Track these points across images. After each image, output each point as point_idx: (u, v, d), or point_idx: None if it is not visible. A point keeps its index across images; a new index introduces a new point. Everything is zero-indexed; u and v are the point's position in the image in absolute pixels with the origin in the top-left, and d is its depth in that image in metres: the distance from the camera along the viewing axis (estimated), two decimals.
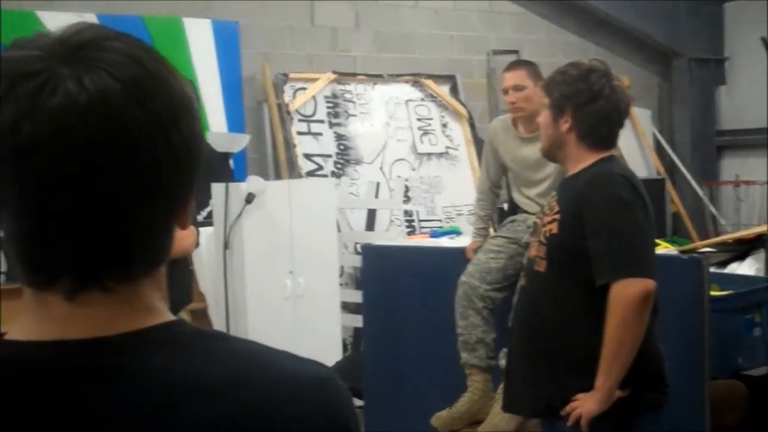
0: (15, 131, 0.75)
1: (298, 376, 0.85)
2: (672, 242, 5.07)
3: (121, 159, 0.76)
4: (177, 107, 0.81)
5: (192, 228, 3.51)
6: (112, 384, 0.78)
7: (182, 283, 3.54)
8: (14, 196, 0.76)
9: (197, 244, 3.55)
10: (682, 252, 4.20)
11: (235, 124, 6.43)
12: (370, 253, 4.63)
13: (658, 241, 3.52)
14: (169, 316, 0.84)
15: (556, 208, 2.64)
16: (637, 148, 8.18)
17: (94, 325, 0.79)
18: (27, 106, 0.75)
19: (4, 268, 5.75)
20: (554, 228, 2.61)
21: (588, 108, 2.63)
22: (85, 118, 0.75)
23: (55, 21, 5.85)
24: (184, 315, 3.53)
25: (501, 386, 3.65)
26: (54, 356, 0.78)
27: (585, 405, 2.51)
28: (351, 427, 0.87)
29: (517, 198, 4.05)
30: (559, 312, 2.61)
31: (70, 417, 0.76)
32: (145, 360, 0.79)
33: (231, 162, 6.15)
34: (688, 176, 8.40)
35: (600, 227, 2.52)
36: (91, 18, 5.97)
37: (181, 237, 3.47)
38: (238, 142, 6.09)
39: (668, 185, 8.12)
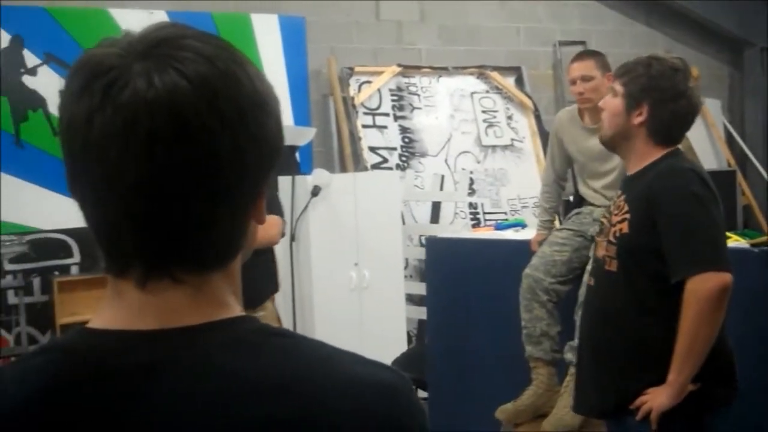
0: (88, 125, 0.78)
1: (366, 379, 0.83)
2: (743, 235, 4.97)
3: (184, 155, 0.78)
4: (246, 105, 0.82)
5: (278, 218, 3.56)
6: (168, 376, 0.79)
7: (269, 271, 3.62)
8: (87, 187, 0.80)
9: (283, 234, 3.61)
10: (754, 245, 4.11)
11: (302, 117, 6.49)
12: (434, 245, 4.64)
13: (729, 234, 3.46)
14: (238, 311, 0.85)
15: (625, 208, 2.61)
16: (707, 140, 8.02)
17: (161, 316, 0.81)
18: (99, 101, 0.78)
19: (78, 259, 5.91)
20: (625, 227, 2.59)
21: (668, 106, 2.60)
22: (151, 113, 0.77)
23: (127, 18, 5.98)
24: (269, 304, 3.61)
25: (566, 380, 3.64)
26: (120, 346, 0.81)
27: (656, 399, 2.49)
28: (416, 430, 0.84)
29: (583, 190, 4.02)
30: (630, 310, 2.59)
31: (127, 406, 0.79)
32: (203, 354, 0.80)
33: (297, 155, 6.21)
34: (760, 168, 8.20)
35: (673, 224, 2.50)
36: (161, 15, 6.08)
37: (268, 227, 3.55)
38: (305, 136, 6.14)
39: (739, 177, 7.94)
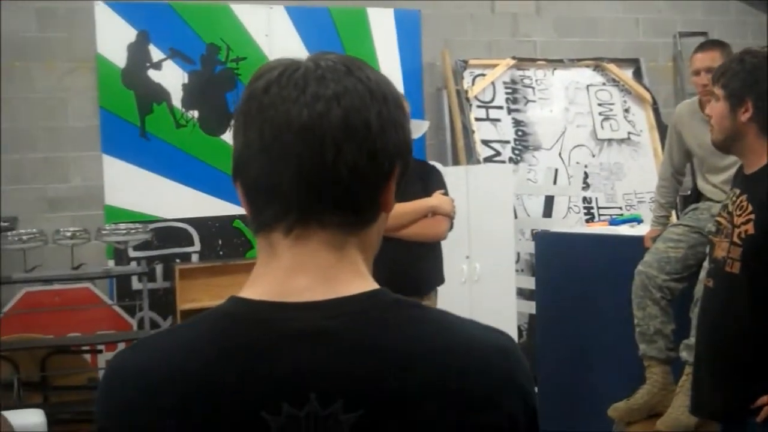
0: (265, 92, 0.93)
1: (485, 343, 0.94)
2: None
3: (342, 109, 0.91)
4: (388, 97, 0.97)
5: (445, 218, 3.69)
6: (327, 346, 0.88)
7: (436, 265, 3.78)
8: (258, 145, 0.92)
9: (451, 228, 3.74)
10: None
11: (415, 110, 6.53)
12: (544, 240, 4.61)
13: None
14: (374, 284, 0.95)
15: (749, 208, 2.54)
16: None
17: (311, 288, 0.91)
18: (276, 76, 0.94)
19: (198, 248, 6.12)
20: (750, 228, 2.52)
21: None
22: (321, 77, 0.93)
23: (248, 13, 6.15)
24: (432, 295, 3.76)
25: (682, 379, 3.57)
26: (276, 317, 0.90)
27: None
28: (529, 392, 0.95)
29: (702, 185, 3.92)
30: (754, 313, 2.52)
31: (283, 373, 0.87)
32: (353, 325, 0.90)
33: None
34: None
35: None
36: (280, 10, 6.23)
37: (436, 223, 3.69)
38: (418, 129, 6.15)
39: None
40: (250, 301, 0.92)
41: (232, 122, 0.98)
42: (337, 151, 0.90)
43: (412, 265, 3.64)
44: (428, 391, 0.88)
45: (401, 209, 3.60)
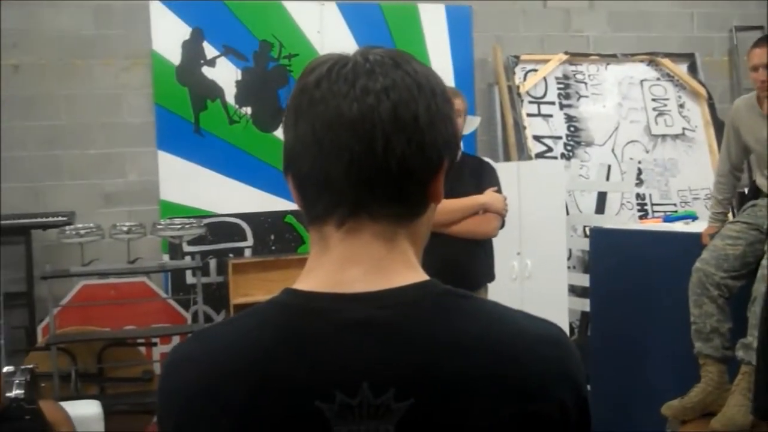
0: (316, 87, 0.94)
1: (535, 333, 0.95)
2: None
3: (392, 101, 0.92)
4: (437, 90, 0.98)
5: (496, 215, 3.69)
6: (379, 336, 0.90)
7: (486, 262, 3.79)
8: (310, 139, 0.94)
9: (502, 225, 3.75)
10: None
11: (467, 106, 6.51)
12: (599, 236, 4.58)
13: None
14: (424, 275, 0.96)
15: None
16: None
17: (363, 279, 0.93)
18: (326, 71, 0.95)
19: (251, 243, 6.18)
20: None
21: None
22: (370, 71, 0.94)
23: (300, 11, 6.18)
24: (482, 291, 3.77)
25: (738, 378, 3.52)
26: (330, 307, 0.92)
27: None
28: (580, 382, 0.95)
29: (760, 181, 3.86)
30: None
31: (336, 363, 0.89)
32: (405, 315, 0.91)
33: (462, 144, 6.24)
34: None
35: None
36: (331, 7, 6.26)
37: (486, 220, 3.68)
38: (469, 124, 6.15)
39: None
40: (303, 293, 0.94)
41: (284, 117, 0.99)
42: (387, 144, 0.91)
43: (462, 262, 3.63)
44: (479, 380, 0.89)
45: (452, 206, 3.60)
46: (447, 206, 3.54)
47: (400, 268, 0.95)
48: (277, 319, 0.94)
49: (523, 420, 0.89)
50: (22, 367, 4.46)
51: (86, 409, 3.70)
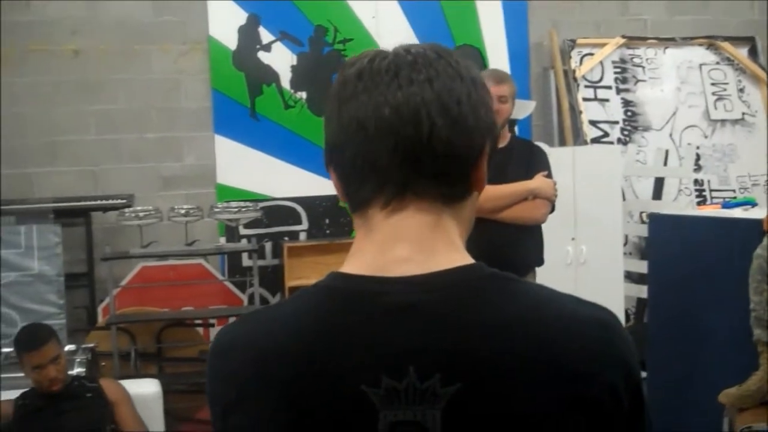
0: (359, 78, 0.96)
1: (584, 316, 0.93)
2: None
3: (436, 88, 0.94)
4: (474, 77, 1.00)
5: (545, 201, 3.68)
6: (425, 320, 0.89)
7: (534, 247, 3.77)
8: (355, 126, 0.95)
9: (552, 210, 3.73)
10: None
11: (521, 90, 6.45)
12: (657, 222, 4.53)
13: None
14: (470, 258, 0.96)
15: None
16: None
17: (408, 260, 0.93)
18: (367, 63, 0.98)
19: (306, 226, 6.23)
20: None
21: None
22: (412, 60, 0.97)
23: (359, 7, 6.19)
24: (530, 276, 3.77)
25: None
26: (375, 291, 0.92)
27: None
28: (632, 366, 0.94)
29: None
30: None
31: (382, 347, 0.89)
32: (451, 299, 0.90)
33: (516, 129, 6.22)
34: None
35: None
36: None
37: (534, 206, 3.67)
38: (524, 109, 6.14)
39: None
40: (349, 276, 0.94)
41: (325, 107, 1.01)
42: (432, 127, 0.92)
43: (510, 247, 3.60)
44: (526, 364, 0.88)
45: (501, 191, 3.58)
46: (496, 192, 3.52)
47: (444, 249, 0.95)
48: (323, 303, 0.94)
49: (572, 404, 0.88)
50: (83, 346, 4.58)
51: (146, 388, 3.77)
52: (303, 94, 6.23)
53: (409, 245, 0.94)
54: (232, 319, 4.49)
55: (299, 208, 6.24)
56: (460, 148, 0.94)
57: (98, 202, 5.59)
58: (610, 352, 0.91)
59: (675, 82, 6.82)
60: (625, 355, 0.93)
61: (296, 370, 0.90)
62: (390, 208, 0.95)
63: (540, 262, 3.87)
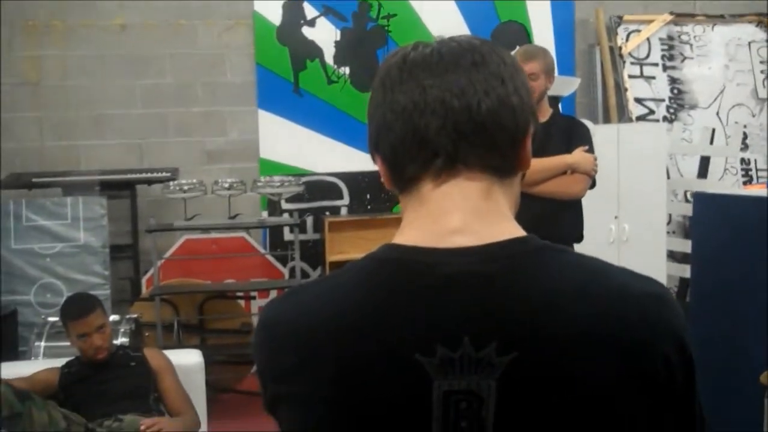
0: (404, 63, 0.98)
1: (639, 289, 0.92)
2: None
3: (486, 72, 0.96)
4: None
5: (584, 176, 3.65)
6: (480, 290, 0.89)
7: (576, 223, 3.75)
8: (402, 106, 0.96)
9: (593, 186, 3.71)
10: None
11: (566, 67, 6.42)
12: (702, 201, 4.47)
13: None
14: (522, 230, 0.96)
15: None
16: None
17: (461, 230, 0.93)
18: (411, 50, 1.00)
19: (347, 201, 6.26)
20: None
21: None
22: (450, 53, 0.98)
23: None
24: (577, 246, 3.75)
25: None
26: (430, 261, 0.91)
27: None
28: (685, 340, 0.93)
29: None
30: None
31: (437, 317, 0.89)
32: (506, 270, 0.90)
33: (560, 106, 6.17)
34: None
35: None
36: None
37: (573, 182, 3.64)
38: (569, 86, 6.08)
39: None
40: (402, 247, 0.94)
41: (370, 96, 1.01)
42: (480, 102, 0.94)
43: (547, 222, 3.54)
44: (581, 334, 0.88)
45: (539, 165, 3.54)
46: (534, 166, 3.49)
47: (497, 220, 0.95)
48: (376, 273, 0.94)
49: (628, 375, 0.88)
50: (127, 316, 4.65)
51: (188, 358, 3.81)
52: (346, 70, 6.23)
53: (462, 215, 0.94)
54: (273, 293, 4.53)
55: (341, 183, 6.26)
56: (507, 123, 0.95)
57: (144, 175, 5.66)
58: (664, 325, 0.91)
59: (723, 59, 6.70)
60: (678, 329, 0.92)
61: (350, 340, 0.90)
62: (441, 180, 0.95)
63: (579, 238, 3.84)
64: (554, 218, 3.63)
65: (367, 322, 0.90)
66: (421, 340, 0.88)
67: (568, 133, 3.74)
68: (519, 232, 0.95)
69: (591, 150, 3.72)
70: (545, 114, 3.74)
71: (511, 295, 0.89)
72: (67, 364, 3.51)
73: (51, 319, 4.51)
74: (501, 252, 0.91)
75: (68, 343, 3.68)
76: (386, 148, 0.98)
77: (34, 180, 5.43)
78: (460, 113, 0.93)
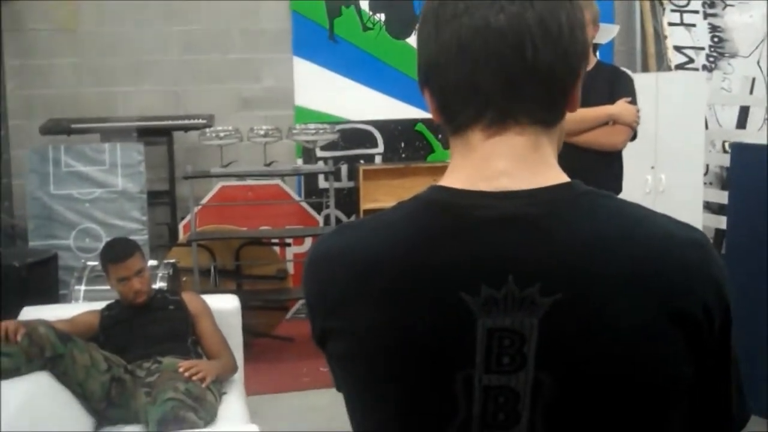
0: (455, 17, 0.95)
1: (680, 235, 0.94)
2: None
3: (539, 12, 0.94)
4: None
5: (625, 127, 3.63)
6: (525, 231, 0.91)
7: (614, 175, 3.72)
8: (456, 48, 0.95)
9: (634, 137, 3.68)
10: None
11: (605, 14, 6.29)
12: (740, 152, 4.42)
13: None
14: (566, 176, 0.96)
15: None
16: None
17: (508, 174, 0.94)
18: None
19: (382, 150, 6.25)
20: None
21: None
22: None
23: None
24: None
25: None
26: (476, 203, 0.93)
27: None
28: (724, 285, 0.95)
29: None
30: None
31: (482, 256, 0.91)
32: (551, 212, 0.92)
33: (597, 53, 6.09)
34: None
35: None
36: None
37: (615, 132, 3.62)
38: (607, 33, 6.00)
39: None
40: (450, 189, 0.95)
41: (420, 31, 0.99)
42: (535, 50, 0.92)
43: (586, 173, 3.52)
44: (624, 278, 0.89)
45: (581, 115, 3.52)
46: (576, 115, 3.45)
47: (544, 169, 0.96)
48: (424, 213, 0.95)
49: (668, 318, 0.90)
50: (165, 261, 4.73)
51: (225, 303, 3.87)
52: (381, 16, 6.19)
53: (509, 163, 0.95)
54: (308, 240, 4.56)
55: (375, 132, 6.26)
56: (561, 72, 0.95)
57: (180, 122, 5.70)
58: (705, 271, 0.93)
59: (765, 7, 6.56)
60: (717, 276, 0.94)
61: (396, 277, 0.93)
62: (491, 131, 0.95)
63: (618, 189, 3.82)
64: (593, 169, 3.60)
65: (415, 259, 0.92)
66: (466, 279, 0.90)
67: (611, 82, 3.70)
68: (564, 178, 0.96)
69: (634, 101, 3.69)
70: (590, 63, 3.71)
71: (555, 238, 0.90)
72: (107, 307, 3.58)
73: (90, 263, 4.60)
74: (546, 196, 0.93)
75: (108, 287, 3.76)
76: (436, 89, 0.98)
77: (72, 126, 5.49)
78: (515, 65, 0.92)
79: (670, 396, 0.93)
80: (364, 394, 0.98)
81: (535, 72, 0.93)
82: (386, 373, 0.94)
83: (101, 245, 4.05)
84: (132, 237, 4.37)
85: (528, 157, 0.95)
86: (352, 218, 6.15)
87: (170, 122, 5.71)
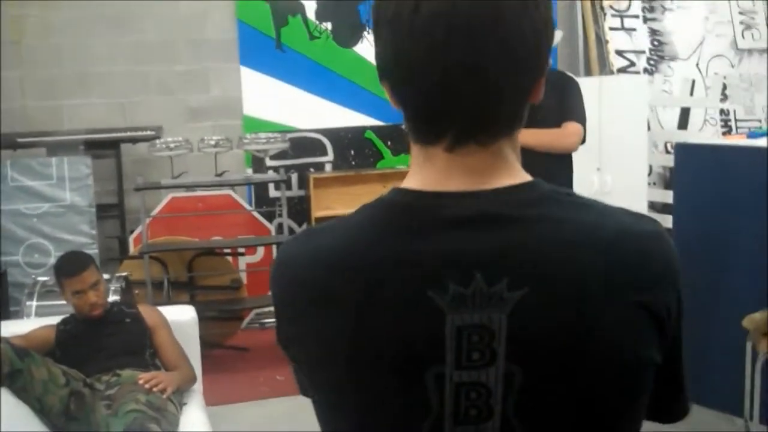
0: (415, 13, 0.91)
1: (640, 228, 0.96)
2: None
3: (499, 36, 0.90)
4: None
5: (578, 126, 3.70)
6: (490, 229, 0.92)
7: (565, 177, 3.78)
8: (407, 67, 0.93)
9: (583, 141, 3.75)
10: None
11: None
12: (683, 151, 4.53)
13: None
14: (528, 176, 0.98)
15: None
16: None
17: (467, 177, 0.95)
18: None
19: (331, 157, 6.27)
20: None
21: None
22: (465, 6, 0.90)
23: None
24: None
25: None
26: (436, 203, 0.94)
27: None
28: (679, 276, 0.98)
29: None
30: None
31: (448, 255, 0.91)
32: (515, 210, 0.93)
33: None
34: None
35: None
36: None
37: (566, 134, 3.69)
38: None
39: None
40: (411, 191, 0.95)
41: (375, 23, 0.97)
42: (498, 78, 0.91)
43: (539, 174, 3.62)
44: (589, 272, 0.91)
45: (523, 139, 3.61)
46: (527, 138, 3.56)
47: (506, 170, 0.96)
48: (387, 215, 0.96)
49: (634, 308, 0.92)
50: (117, 274, 4.68)
51: (182, 314, 3.85)
52: (328, 25, 6.22)
53: (469, 173, 0.95)
54: (260, 249, 4.56)
55: (325, 140, 6.28)
56: (526, 87, 0.95)
57: (128, 133, 5.65)
58: (665, 264, 0.96)
59: (703, 11, 6.74)
60: (675, 267, 0.97)
61: (362, 280, 0.93)
62: (453, 148, 0.95)
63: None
64: (545, 172, 3.68)
65: (381, 260, 0.92)
66: (433, 277, 0.90)
67: (559, 88, 3.79)
68: (527, 177, 0.98)
69: (581, 106, 3.78)
70: None
71: (520, 233, 0.91)
72: (63, 322, 3.54)
73: (41, 278, 4.54)
74: (510, 194, 0.94)
75: (60, 302, 3.71)
76: (397, 94, 0.97)
77: (18, 140, 5.42)
78: (479, 91, 0.91)
79: (638, 386, 0.95)
80: (332, 397, 0.98)
81: (500, 97, 0.92)
82: (356, 376, 0.94)
83: (50, 260, 4.01)
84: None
85: (489, 167, 0.96)
86: (304, 226, 6.16)
87: (118, 134, 5.66)
